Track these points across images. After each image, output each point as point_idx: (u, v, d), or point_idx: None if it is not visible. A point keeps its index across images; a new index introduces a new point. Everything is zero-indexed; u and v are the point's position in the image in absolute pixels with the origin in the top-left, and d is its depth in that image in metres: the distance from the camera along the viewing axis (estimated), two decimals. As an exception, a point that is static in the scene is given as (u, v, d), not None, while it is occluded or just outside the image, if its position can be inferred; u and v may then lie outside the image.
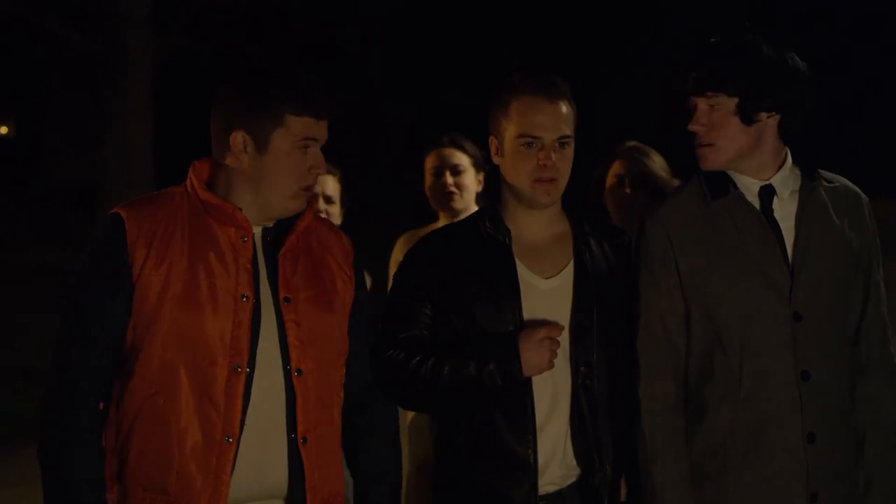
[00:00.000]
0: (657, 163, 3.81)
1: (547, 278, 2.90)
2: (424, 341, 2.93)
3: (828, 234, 2.90)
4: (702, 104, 2.89)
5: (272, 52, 17.07)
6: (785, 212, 2.91)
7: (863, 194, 3.02)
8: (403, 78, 23.40)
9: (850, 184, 3.02)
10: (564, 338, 2.85)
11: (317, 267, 2.80)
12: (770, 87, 2.86)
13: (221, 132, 2.72)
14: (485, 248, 2.94)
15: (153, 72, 14.77)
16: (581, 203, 3.64)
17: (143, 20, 14.44)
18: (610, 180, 3.82)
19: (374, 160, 23.01)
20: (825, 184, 2.96)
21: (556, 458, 2.87)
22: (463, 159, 4.21)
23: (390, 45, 22.90)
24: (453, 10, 22.21)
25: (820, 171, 3.00)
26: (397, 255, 4.11)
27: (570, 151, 2.93)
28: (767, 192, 2.91)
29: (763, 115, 2.88)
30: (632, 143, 3.90)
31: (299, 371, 2.69)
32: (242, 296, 2.67)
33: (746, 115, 2.86)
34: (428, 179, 4.24)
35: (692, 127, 2.91)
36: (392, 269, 4.00)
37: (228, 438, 2.63)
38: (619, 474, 2.96)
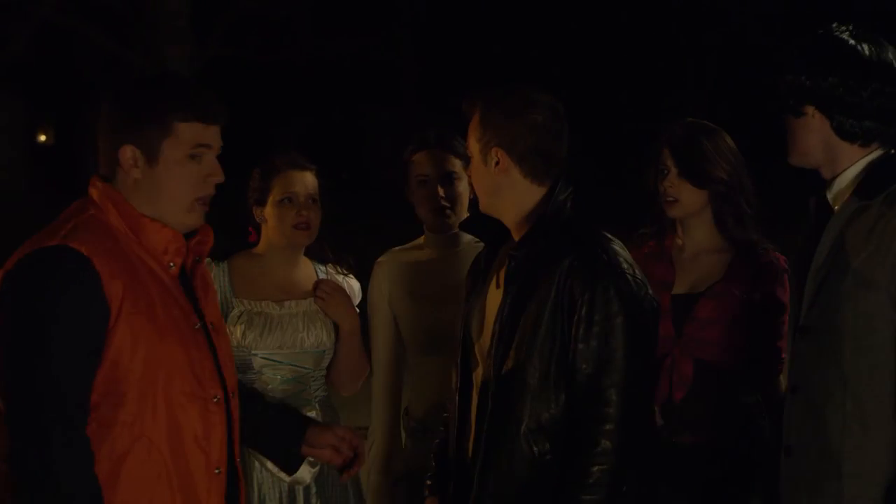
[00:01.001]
0: (712, 148, 3.41)
1: (497, 287, 2.90)
2: None
3: (845, 255, 2.69)
4: None
5: (309, 60, 17.14)
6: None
7: None
8: (439, 85, 23.42)
9: None
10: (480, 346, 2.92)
11: (211, 290, 2.77)
12: (797, 76, 2.74)
13: (109, 148, 2.57)
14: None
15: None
16: (643, 196, 3.55)
17: (183, 29, 14.54)
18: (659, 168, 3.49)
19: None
20: (881, 202, 2.69)
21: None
22: (456, 164, 3.57)
23: (425, 52, 22.95)
24: (488, 16, 22.22)
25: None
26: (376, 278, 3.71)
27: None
28: (821, 201, 2.81)
29: (808, 107, 2.74)
30: (688, 121, 3.55)
31: (234, 393, 2.69)
32: (195, 324, 2.61)
33: (790, 107, 2.77)
34: (413, 187, 3.64)
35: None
36: (371, 291, 3.69)
37: (217, 470, 2.60)
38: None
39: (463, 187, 3.57)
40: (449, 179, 3.58)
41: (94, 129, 2.61)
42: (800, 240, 2.89)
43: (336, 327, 3.53)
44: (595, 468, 2.68)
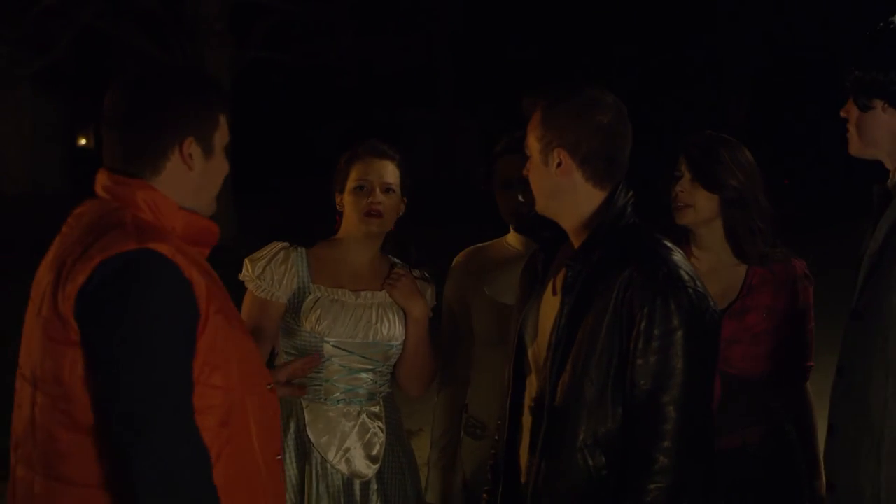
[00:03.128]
0: (729, 158, 3.39)
1: (553, 294, 2.84)
2: None
3: (894, 243, 2.74)
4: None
5: (347, 63, 17.19)
6: None
7: None
8: (475, 87, 23.43)
9: None
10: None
11: None
12: (869, 71, 2.75)
13: (165, 142, 2.47)
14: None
15: (231, 83, 14.96)
16: (656, 206, 3.49)
17: (221, 33, 14.64)
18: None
19: (447, 169, 23.05)
20: None
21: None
22: None
23: (461, 54, 22.97)
24: (524, 20, 22.21)
25: None
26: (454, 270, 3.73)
27: None
28: (884, 190, 2.82)
29: (876, 101, 2.77)
30: (708, 133, 3.50)
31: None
32: (240, 313, 2.63)
33: (858, 101, 2.79)
34: (497, 188, 3.62)
35: (841, 112, 2.87)
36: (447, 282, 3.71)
37: (279, 456, 2.62)
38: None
39: None
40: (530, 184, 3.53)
41: (123, 120, 2.50)
42: (867, 227, 2.88)
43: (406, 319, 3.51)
44: (652, 486, 2.59)
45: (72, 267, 2.33)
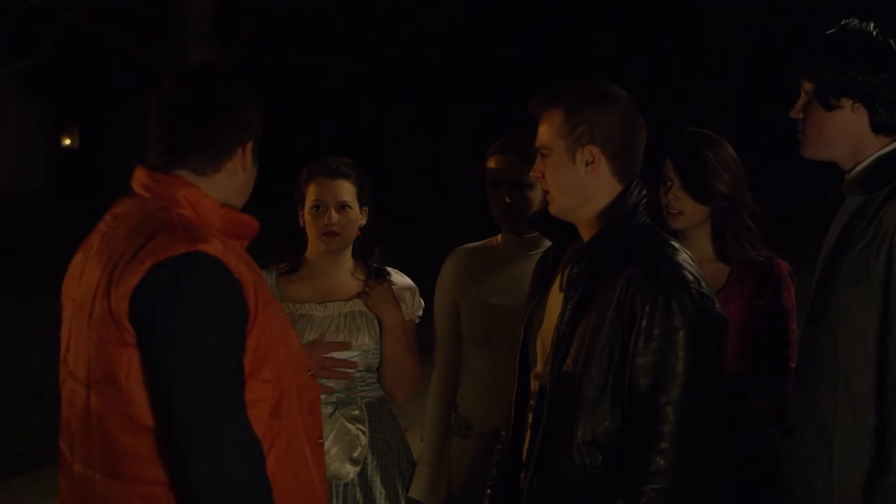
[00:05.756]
0: (715, 160, 3.40)
1: (560, 290, 2.82)
2: None
3: (846, 245, 2.75)
4: (802, 91, 2.84)
5: (333, 64, 17.18)
6: None
7: None
8: (462, 87, 23.43)
9: None
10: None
11: None
12: (844, 71, 2.74)
13: (234, 142, 2.52)
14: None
15: (215, 84, 14.94)
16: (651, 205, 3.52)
17: (206, 33, 14.61)
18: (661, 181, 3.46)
19: (433, 169, 23.05)
20: (885, 194, 2.73)
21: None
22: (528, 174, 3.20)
23: (449, 54, 22.97)
24: (511, 18, 22.23)
25: None
26: (446, 270, 3.70)
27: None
28: (839, 192, 2.83)
29: (845, 101, 2.77)
30: (691, 131, 3.50)
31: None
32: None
33: (824, 100, 2.78)
34: (487, 188, 3.57)
35: (791, 114, 2.86)
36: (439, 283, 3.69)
37: (320, 440, 2.65)
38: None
39: (534, 194, 3.47)
40: (519, 186, 3.49)
41: (194, 115, 2.50)
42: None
43: (381, 327, 3.53)
44: (648, 488, 2.56)
45: (123, 269, 2.36)
